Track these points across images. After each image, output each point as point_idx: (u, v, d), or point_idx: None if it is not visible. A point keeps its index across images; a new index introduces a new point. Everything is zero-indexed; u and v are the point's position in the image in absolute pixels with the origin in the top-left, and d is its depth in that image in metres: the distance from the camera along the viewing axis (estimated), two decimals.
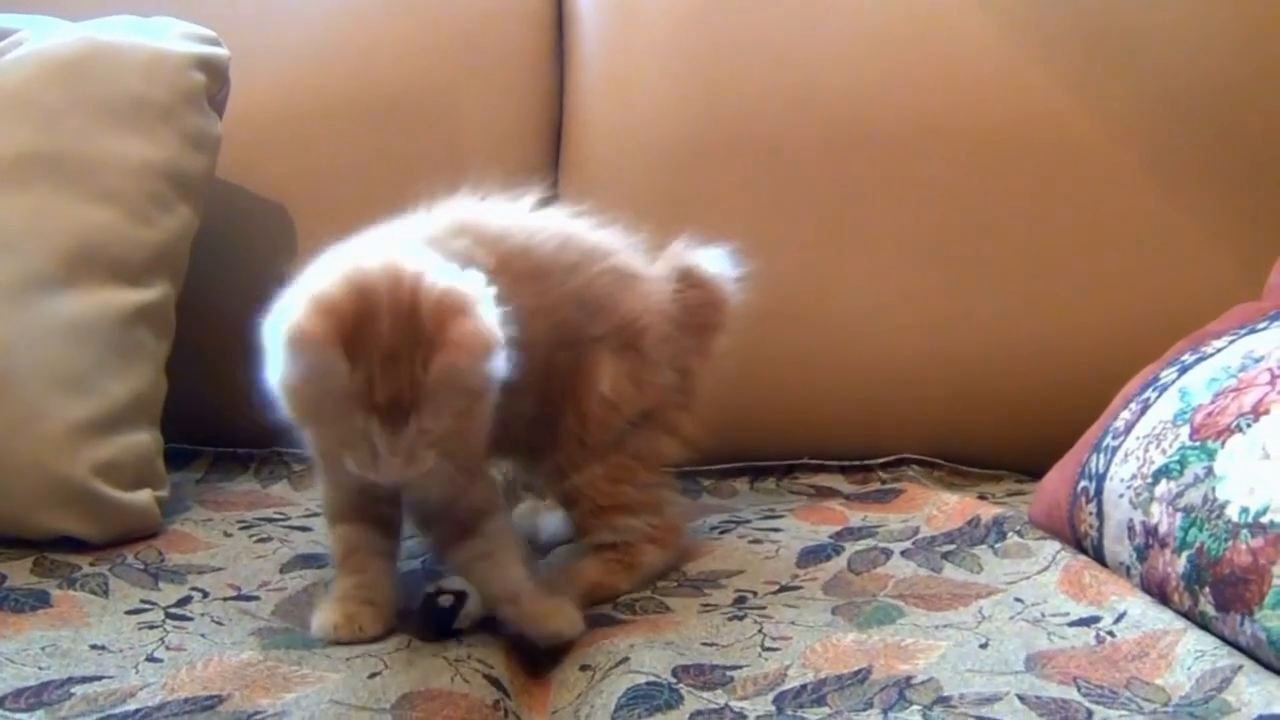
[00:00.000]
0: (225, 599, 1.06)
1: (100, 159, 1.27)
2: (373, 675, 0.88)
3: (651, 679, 0.88)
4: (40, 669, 0.90)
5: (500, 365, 0.90)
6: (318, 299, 0.88)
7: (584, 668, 0.94)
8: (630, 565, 1.12)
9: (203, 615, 1.02)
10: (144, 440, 1.24)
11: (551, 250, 1.10)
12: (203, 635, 0.97)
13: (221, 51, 1.39)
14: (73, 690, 0.87)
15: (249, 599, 1.06)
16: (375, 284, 0.89)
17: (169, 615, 1.01)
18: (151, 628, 0.98)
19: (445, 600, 0.96)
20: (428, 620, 0.97)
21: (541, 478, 1.17)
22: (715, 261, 1.21)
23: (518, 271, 1.03)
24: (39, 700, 0.85)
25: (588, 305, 1.11)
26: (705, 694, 0.88)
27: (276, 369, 0.90)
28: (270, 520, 1.27)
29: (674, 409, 1.17)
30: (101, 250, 1.24)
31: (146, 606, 1.03)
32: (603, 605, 1.07)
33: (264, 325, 0.92)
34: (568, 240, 1.13)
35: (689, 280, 1.19)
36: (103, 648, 0.94)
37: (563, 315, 1.08)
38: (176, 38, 1.37)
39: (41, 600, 1.02)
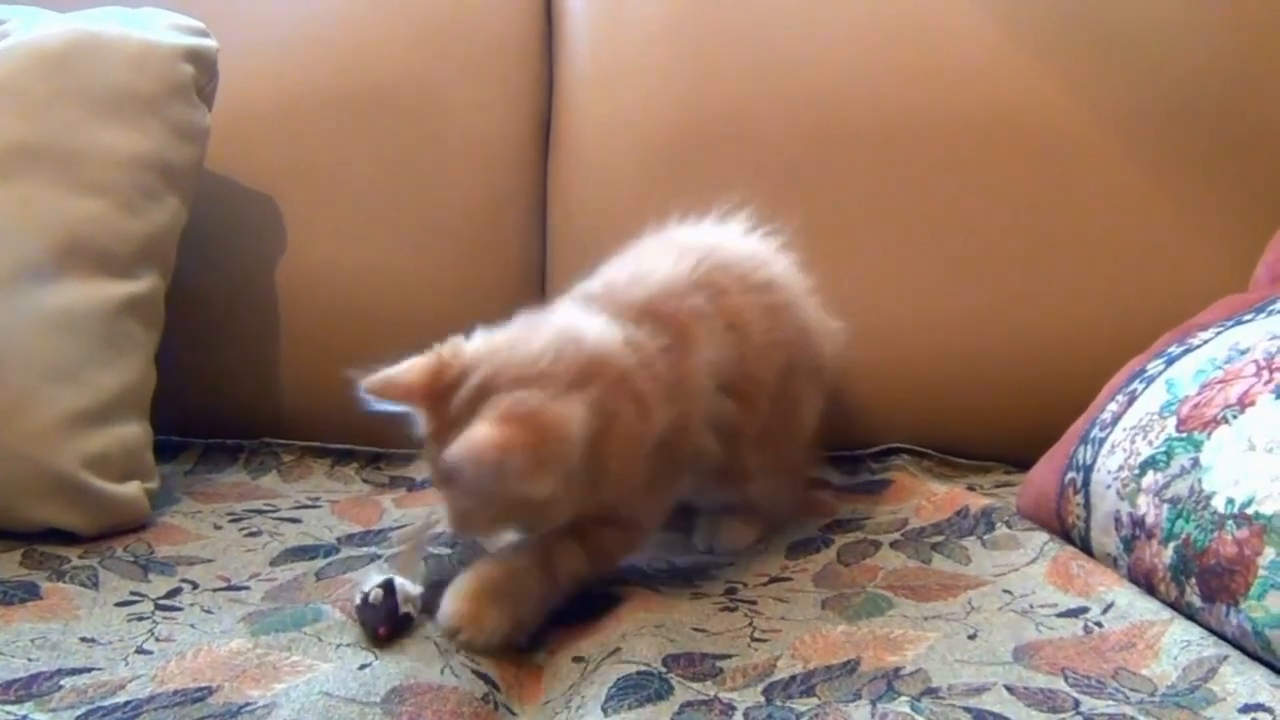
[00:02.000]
0: (215, 590, 1.06)
1: (88, 150, 1.27)
2: (362, 667, 0.88)
3: (642, 668, 0.88)
4: (30, 660, 0.90)
5: (531, 486, 0.93)
6: (447, 353, 0.98)
7: (576, 659, 0.94)
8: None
9: (192, 605, 1.02)
10: (133, 432, 1.24)
11: (786, 283, 1.19)
12: (192, 625, 0.97)
13: (210, 43, 1.39)
14: (62, 682, 0.87)
15: (239, 589, 1.06)
16: (491, 356, 0.97)
17: (158, 606, 1.01)
18: (141, 619, 0.98)
19: (375, 596, 0.94)
20: (366, 623, 0.95)
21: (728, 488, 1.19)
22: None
23: (762, 307, 1.13)
24: (29, 692, 0.85)
25: (808, 335, 1.20)
26: (695, 685, 0.88)
27: None
28: (260, 512, 1.27)
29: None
30: (90, 242, 1.24)
31: (136, 598, 1.03)
32: None
33: None
34: (787, 272, 1.21)
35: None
36: (92, 640, 0.94)
37: (794, 346, 1.17)
38: (165, 29, 1.36)
39: (31, 592, 1.03)
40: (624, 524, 1.05)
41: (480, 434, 0.90)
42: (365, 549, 1.16)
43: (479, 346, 0.99)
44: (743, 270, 1.15)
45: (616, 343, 1.02)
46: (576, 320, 1.03)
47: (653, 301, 1.07)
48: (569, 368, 0.97)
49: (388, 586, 0.95)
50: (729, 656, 0.93)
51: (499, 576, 0.98)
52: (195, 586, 1.07)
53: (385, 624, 0.94)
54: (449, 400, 0.95)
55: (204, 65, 1.38)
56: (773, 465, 1.17)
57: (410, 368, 0.97)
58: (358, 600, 0.95)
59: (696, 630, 0.98)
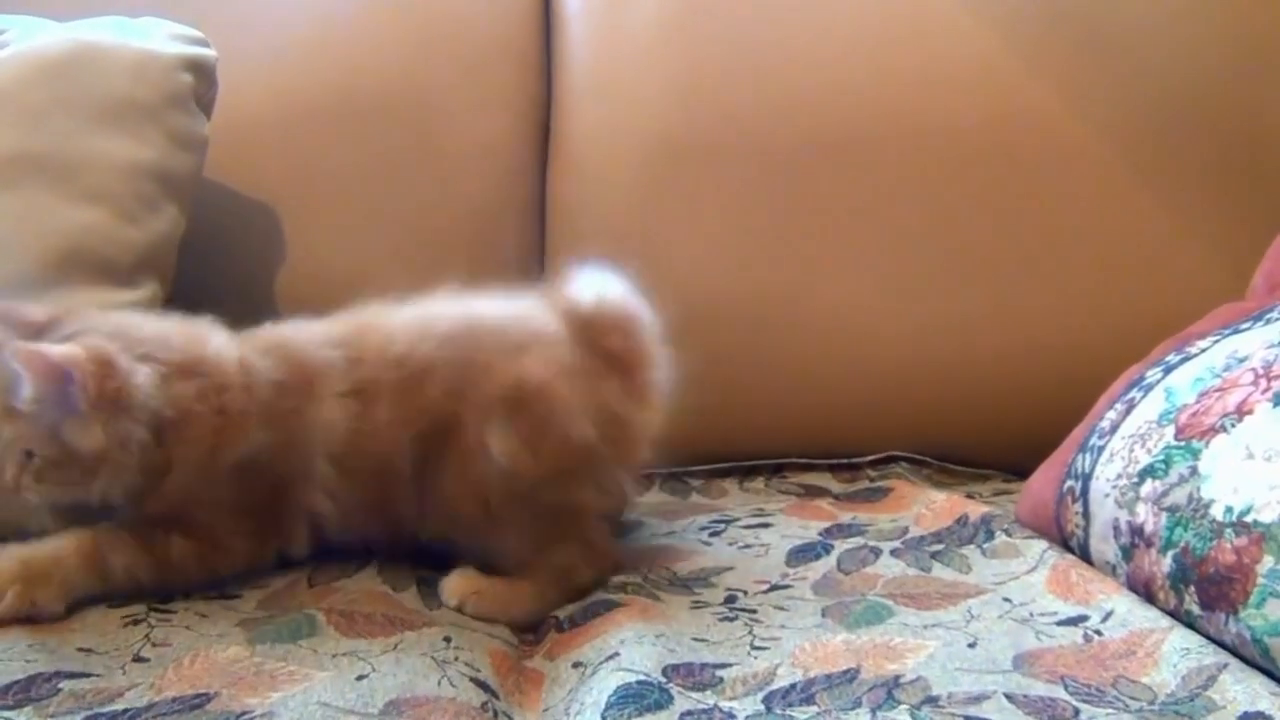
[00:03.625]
0: (209, 598, 1.05)
1: (87, 160, 1.27)
2: (360, 678, 0.88)
3: (642, 678, 0.88)
4: (27, 662, 0.89)
5: (81, 420, 0.97)
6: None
7: (575, 664, 0.94)
8: (566, 579, 1.09)
9: (186, 609, 1.02)
10: None
11: (400, 352, 1.08)
12: (187, 627, 0.97)
13: (209, 52, 1.39)
14: (60, 685, 0.86)
15: (232, 597, 1.05)
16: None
17: (152, 609, 1.01)
18: (136, 622, 0.98)
19: None
20: None
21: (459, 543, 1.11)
22: (607, 289, 1.13)
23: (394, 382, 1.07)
24: (27, 696, 0.85)
25: (453, 383, 1.06)
26: (695, 694, 0.88)
27: None
28: None
29: (599, 462, 1.09)
30: (89, 251, 1.24)
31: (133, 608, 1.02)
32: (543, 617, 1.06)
33: None
34: (423, 331, 1.10)
35: (587, 322, 1.10)
36: (89, 650, 0.94)
37: (423, 401, 1.06)
38: (164, 38, 1.37)
39: None
40: (198, 536, 1.04)
41: (56, 350, 0.95)
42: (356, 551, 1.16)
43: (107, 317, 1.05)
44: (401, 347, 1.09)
45: (230, 357, 1.06)
46: (207, 329, 1.09)
47: (288, 341, 1.10)
48: (169, 357, 1.02)
49: None
50: (729, 665, 0.92)
51: (40, 558, 0.99)
52: (186, 595, 1.05)
53: None
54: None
55: (203, 74, 1.38)
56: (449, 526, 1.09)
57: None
58: None
59: (696, 640, 0.97)
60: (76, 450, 0.98)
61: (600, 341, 1.09)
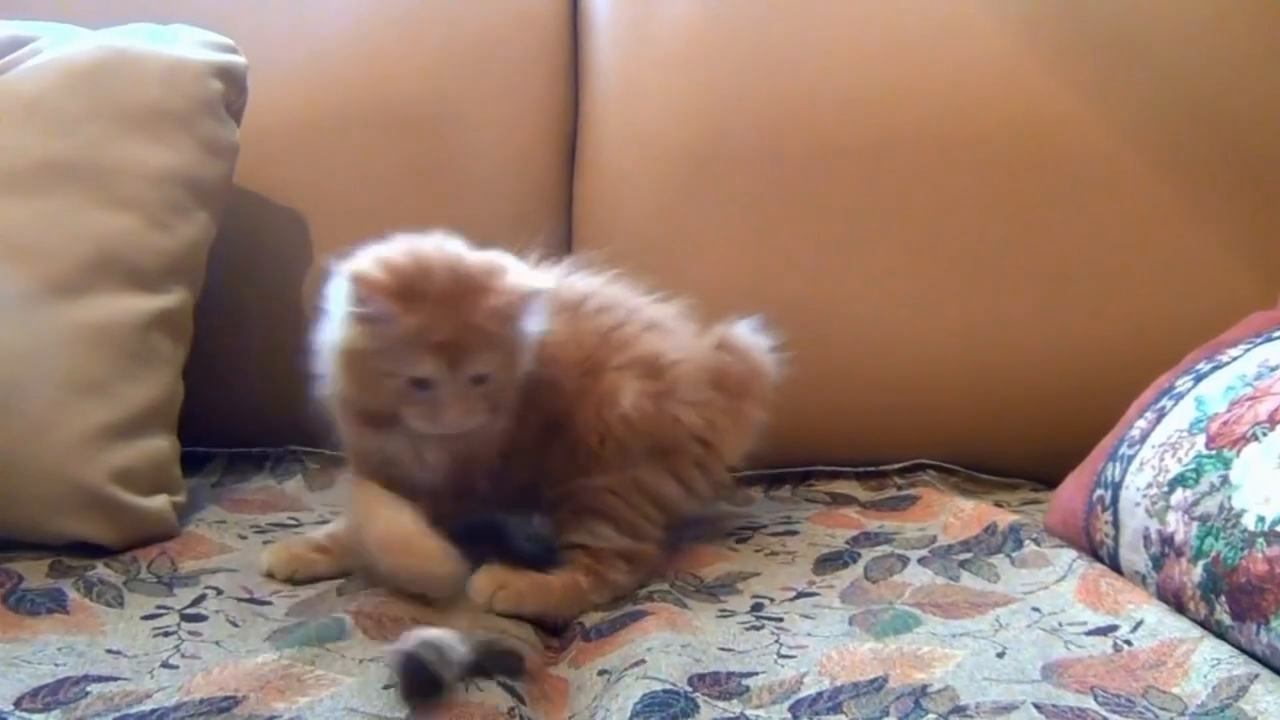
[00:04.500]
0: (239, 600, 1.06)
1: (119, 166, 1.27)
2: (388, 686, 0.88)
3: (668, 686, 0.88)
4: (56, 666, 0.90)
5: (538, 320, 1.06)
6: (373, 257, 1.04)
7: (601, 672, 0.94)
8: (599, 576, 1.11)
9: (217, 613, 1.02)
10: (161, 446, 1.24)
11: (581, 291, 1.19)
12: (217, 643, 0.97)
13: (239, 60, 1.40)
14: (89, 689, 0.87)
15: (262, 603, 1.06)
16: (425, 247, 1.05)
17: (184, 618, 1.02)
18: (167, 634, 0.98)
19: (428, 653, 0.88)
20: (410, 679, 0.87)
21: (544, 481, 1.16)
22: (750, 332, 1.25)
23: (554, 304, 1.12)
24: (55, 700, 0.85)
25: (612, 341, 1.16)
26: (721, 703, 0.88)
27: (337, 329, 1.04)
28: (284, 525, 1.27)
29: (690, 459, 1.18)
30: (120, 257, 1.24)
31: (162, 611, 1.03)
32: (572, 615, 1.09)
33: (324, 297, 1.06)
34: (600, 291, 1.20)
35: (728, 348, 1.23)
36: (119, 653, 0.94)
37: (589, 347, 1.15)
38: (194, 46, 1.37)
39: (58, 604, 1.03)
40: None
41: (510, 279, 1.05)
42: None
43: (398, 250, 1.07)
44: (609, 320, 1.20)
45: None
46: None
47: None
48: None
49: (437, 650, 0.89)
50: (755, 674, 0.92)
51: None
52: (219, 593, 1.07)
53: (416, 690, 0.87)
54: (425, 288, 1.02)
55: (233, 82, 1.39)
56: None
57: (369, 271, 1.03)
58: (404, 646, 0.88)
59: (723, 649, 0.97)
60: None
61: (723, 361, 1.21)
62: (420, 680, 0.86)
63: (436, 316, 1.00)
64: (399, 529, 1.03)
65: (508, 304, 1.02)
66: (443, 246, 1.06)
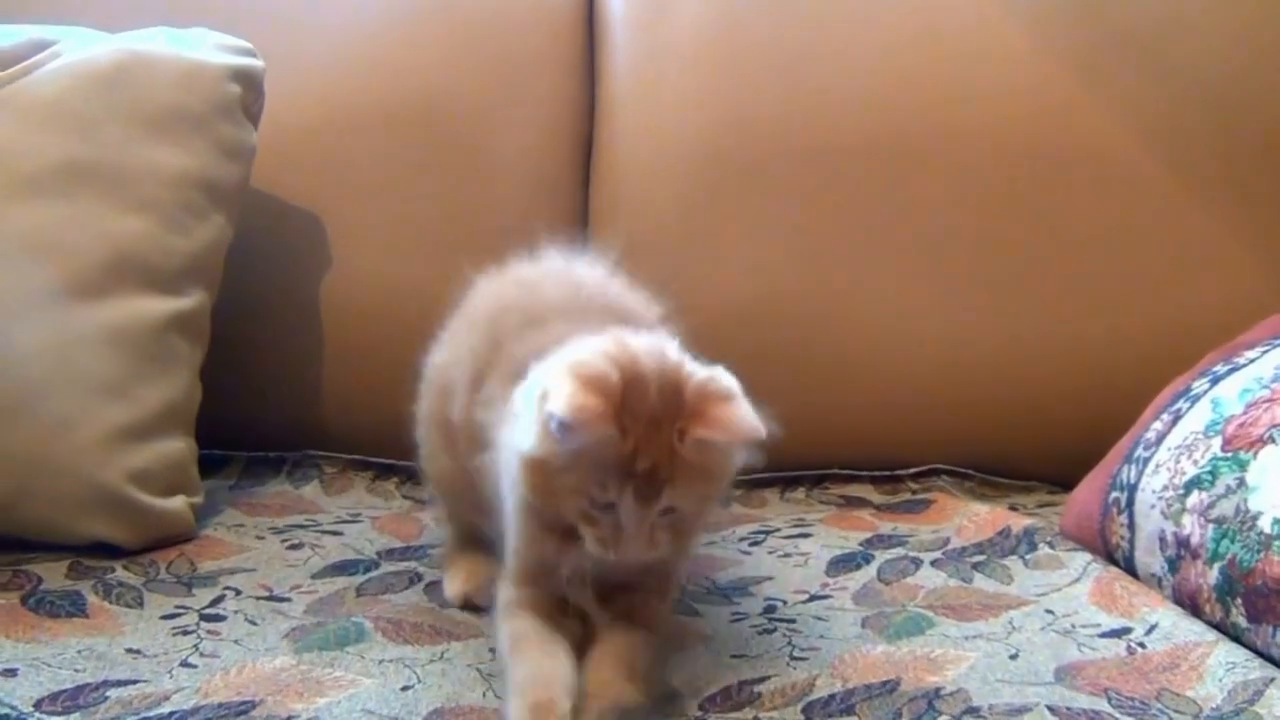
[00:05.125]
0: (258, 599, 1.07)
1: (137, 169, 1.28)
2: (405, 688, 0.88)
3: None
4: (76, 671, 0.91)
5: (745, 457, 0.91)
6: (587, 372, 0.87)
7: None
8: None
9: (236, 613, 1.03)
10: (178, 447, 1.25)
11: None
12: (236, 642, 0.98)
13: (256, 63, 1.41)
14: (108, 694, 0.88)
15: (281, 600, 1.07)
16: (640, 358, 0.89)
17: (203, 618, 1.02)
18: (186, 633, 0.99)
19: None
20: None
21: None
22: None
23: None
24: (75, 704, 0.86)
25: None
26: (733, 714, 0.88)
27: (528, 434, 0.87)
28: (301, 526, 1.28)
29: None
30: (137, 259, 1.25)
31: (181, 611, 1.04)
32: None
33: (517, 397, 0.91)
34: None
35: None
36: (138, 652, 0.95)
37: None
38: (212, 49, 1.38)
39: (77, 606, 1.03)
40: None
41: (732, 410, 0.87)
42: (405, 564, 1.17)
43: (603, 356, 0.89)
44: None
45: None
46: None
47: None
48: None
49: None
50: (767, 678, 0.92)
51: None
52: (238, 593, 1.08)
53: None
54: (635, 408, 0.87)
55: (250, 85, 1.39)
56: None
57: (579, 392, 0.85)
58: None
59: (735, 656, 0.97)
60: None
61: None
62: None
63: (641, 444, 0.86)
64: (544, 695, 0.90)
65: (719, 439, 0.87)
66: (658, 353, 0.90)
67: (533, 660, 0.90)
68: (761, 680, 0.92)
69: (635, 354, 0.89)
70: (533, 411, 0.87)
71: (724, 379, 0.90)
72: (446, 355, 1.10)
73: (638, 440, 0.86)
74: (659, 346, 0.91)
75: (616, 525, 0.88)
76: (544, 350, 0.92)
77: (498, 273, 1.13)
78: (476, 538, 1.09)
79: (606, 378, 0.86)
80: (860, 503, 1.40)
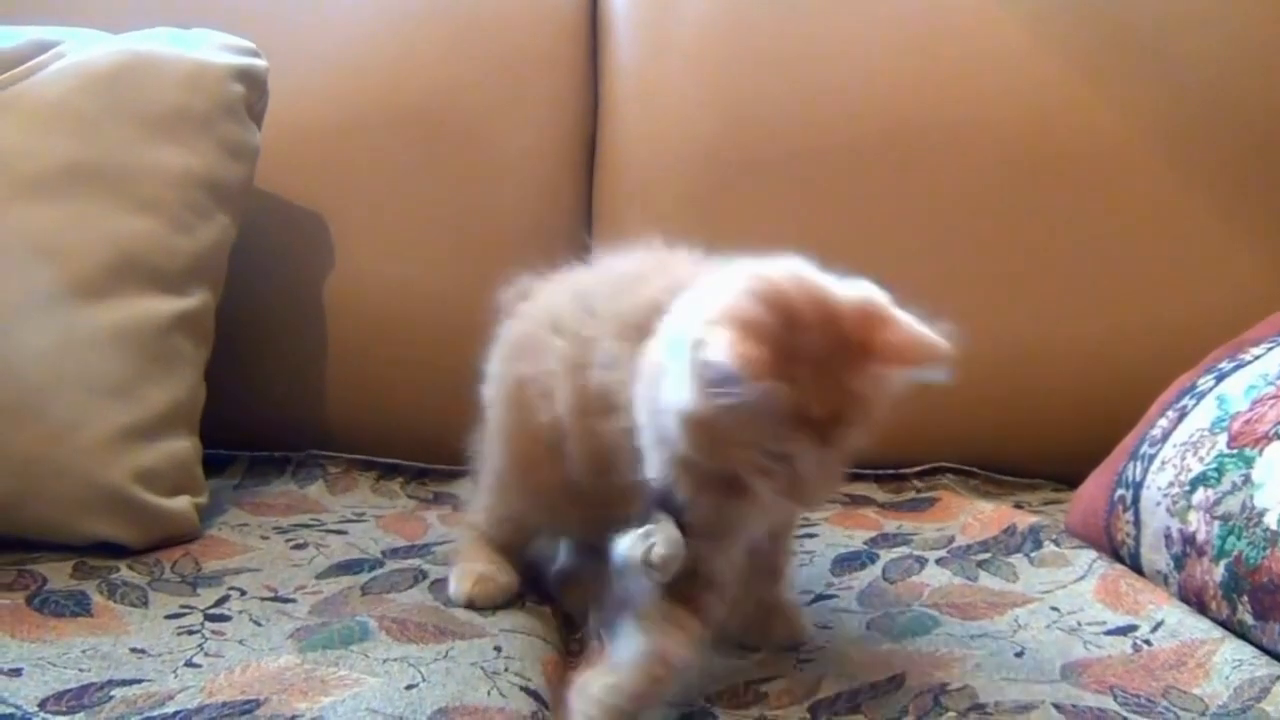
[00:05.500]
0: (262, 599, 1.07)
1: (141, 169, 1.28)
2: (410, 687, 0.88)
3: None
4: (81, 671, 0.91)
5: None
6: (738, 319, 0.79)
7: None
8: None
9: (241, 613, 1.03)
10: (183, 447, 1.25)
11: None
12: (241, 642, 0.98)
13: (260, 63, 1.41)
14: (112, 693, 0.88)
15: (285, 600, 1.07)
16: (785, 288, 0.82)
17: (208, 617, 1.02)
18: (190, 633, 0.99)
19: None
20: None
21: None
22: None
23: None
24: (79, 703, 0.86)
25: None
26: (739, 712, 0.88)
27: (684, 392, 0.80)
28: (306, 526, 1.28)
29: None
30: (142, 259, 1.25)
31: (185, 610, 1.04)
32: None
33: (662, 351, 0.84)
34: None
35: None
36: (143, 651, 0.95)
37: None
38: (216, 49, 1.38)
39: (82, 606, 1.04)
40: None
41: (900, 335, 0.83)
42: (410, 562, 1.17)
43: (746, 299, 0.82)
44: None
45: None
46: None
47: None
48: None
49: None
50: (773, 679, 0.92)
51: None
52: (243, 594, 1.08)
53: None
54: (797, 353, 0.80)
55: (254, 85, 1.39)
56: None
57: (741, 342, 0.77)
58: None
59: (740, 658, 0.97)
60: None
61: None
62: None
63: (813, 389, 0.79)
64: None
65: (900, 365, 0.83)
66: (804, 282, 0.84)
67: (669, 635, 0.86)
68: (768, 680, 0.92)
69: (781, 288, 0.82)
70: (684, 364, 0.80)
71: (875, 298, 0.85)
72: (524, 367, 1.02)
73: (807, 386, 0.79)
74: (796, 272, 0.85)
75: (794, 473, 0.82)
76: (659, 300, 0.87)
77: (546, 281, 1.09)
78: (510, 546, 1.10)
79: (762, 321, 0.79)
80: (865, 501, 1.40)
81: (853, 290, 0.85)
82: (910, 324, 0.84)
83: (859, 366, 0.81)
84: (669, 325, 0.85)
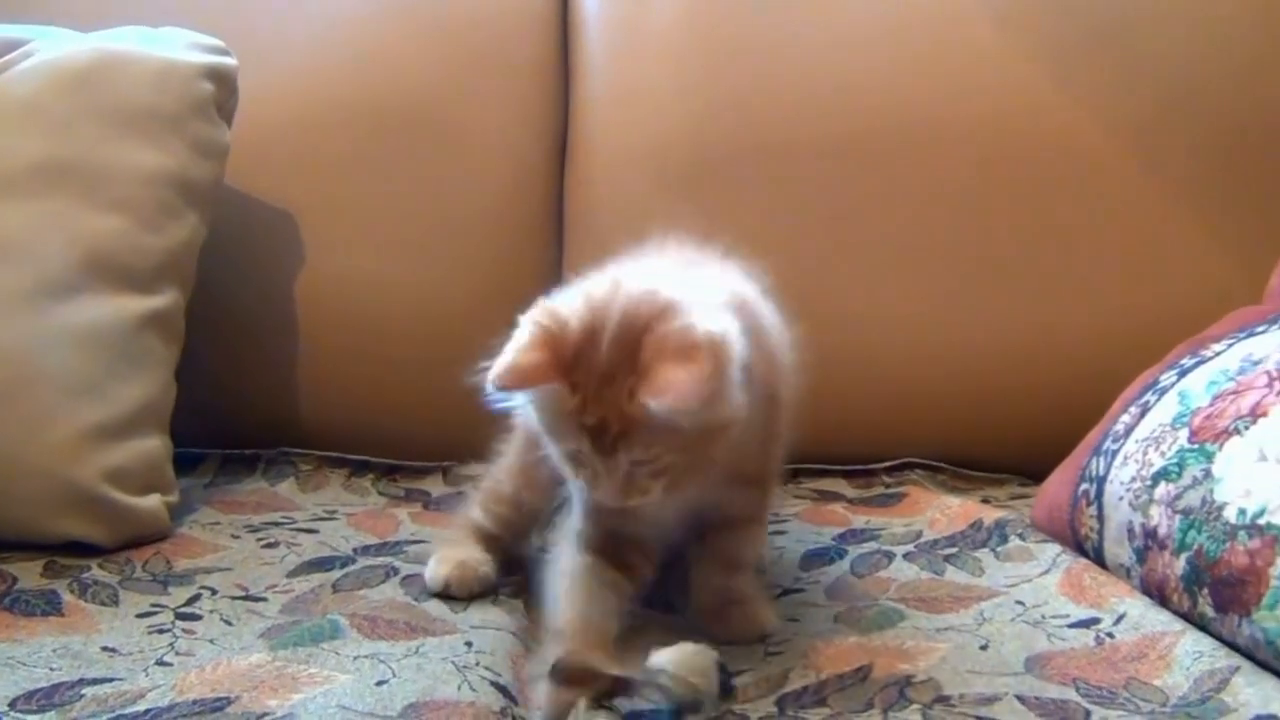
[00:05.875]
0: (233, 598, 1.07)
1: (110, 168, 1.28)
2: (380, 683, 0.88)
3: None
4: (51, 670, 0.91)
5: (722, 408, 0.87)
6: (545, 319, 0.88)
7: None
8: None
9: (212, 613, 1.03)
10: (153, 445, 1.25)
11: (758, 307, 1.05)
12: (212, 640, 0.98)
13: (230, 61, 1.41)
14: (83, 692, 0.88)
15: (257, 599, 1.07)
16: (608, 308, 0.88)
17: (179, 616, 1.03)
18: (161, 631, 0.99)
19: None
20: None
21: None
22: None
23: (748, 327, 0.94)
24: (50, 702, 0.86)
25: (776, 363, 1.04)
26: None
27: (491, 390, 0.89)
28: (277, 524, 1.28)
29: None
30: (112, 258, 1.25)
31: (156, 609, 1.04)
32: None
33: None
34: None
35: None
36: (114, 650, 0.95)
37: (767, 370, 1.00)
38: (185, 48, 1.38)
39: (53, 605, 1.04)
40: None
41: (675, 374, 0.83)
42: (381, 559, 1.17)
43: (581, 301, 0.90)
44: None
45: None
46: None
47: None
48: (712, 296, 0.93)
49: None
50: (741, 672, 0.93)
51: None
52: (214, 593, 1.08)
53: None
54: (588, 361, 0.86)
55: (224, 83, 1.39)
56: None
57: (524, 350, 0.87)
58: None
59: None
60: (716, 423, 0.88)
61: None
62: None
63: (591, 399, 0.86)
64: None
65: (662, 405, 0.83)
66: (635, 295, 0.88)
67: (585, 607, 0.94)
68: (736, 673, 0.92)
69: (616, 298, 0.88)
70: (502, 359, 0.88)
71: (691, 333, 0.85)
72: None
73: (586, 395, 0.86)
74: (655, 289, 0.89)
75: (591, 475, 0.90)
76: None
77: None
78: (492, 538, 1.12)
79: (563, 327, 0.87)
80: (834, 497, 1.41)
81: (683, 320, 0.87)
82: (696, 367, 0.84)
83: (631, 389, 0.85)
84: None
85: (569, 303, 0.90)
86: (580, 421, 0.87)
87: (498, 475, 1.14)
